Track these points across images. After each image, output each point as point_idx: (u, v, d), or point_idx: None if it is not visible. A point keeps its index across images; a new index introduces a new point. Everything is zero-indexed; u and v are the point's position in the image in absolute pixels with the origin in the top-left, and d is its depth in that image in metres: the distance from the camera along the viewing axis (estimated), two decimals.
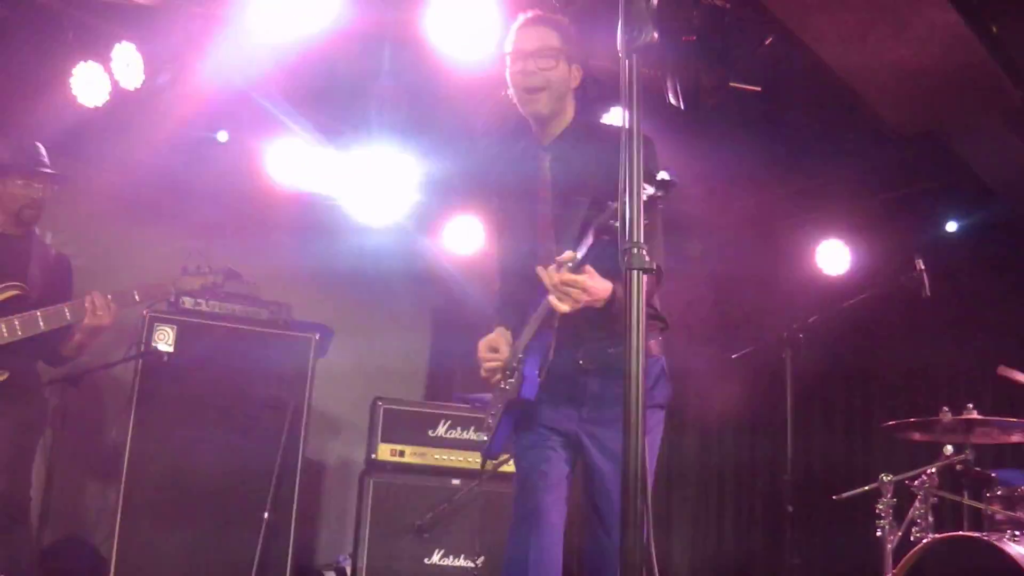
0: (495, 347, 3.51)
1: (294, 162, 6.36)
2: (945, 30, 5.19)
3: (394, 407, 6.27)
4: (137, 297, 4.87)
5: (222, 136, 6.46)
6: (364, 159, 6.27)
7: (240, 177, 6.41)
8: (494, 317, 3.67)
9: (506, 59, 3.51)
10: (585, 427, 3.41)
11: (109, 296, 4.72)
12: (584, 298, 3.11)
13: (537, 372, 3.34)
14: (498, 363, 3.47)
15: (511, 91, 3.53)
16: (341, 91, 5.91)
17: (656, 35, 2.35)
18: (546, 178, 3.51)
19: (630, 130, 2.24)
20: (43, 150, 4.98)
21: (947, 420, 4.93)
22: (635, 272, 2.09)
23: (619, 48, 2.33)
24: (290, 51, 5.39)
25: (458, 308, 7.39)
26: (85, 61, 5.53)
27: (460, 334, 7.70)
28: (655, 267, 2.15)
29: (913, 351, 6.98)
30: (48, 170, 4.94)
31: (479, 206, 3.76)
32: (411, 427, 6.26)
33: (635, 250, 2.11)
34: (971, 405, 4.98)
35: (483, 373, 3.52)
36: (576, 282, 3.08)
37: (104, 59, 5.49)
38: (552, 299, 3.12)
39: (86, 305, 4.64)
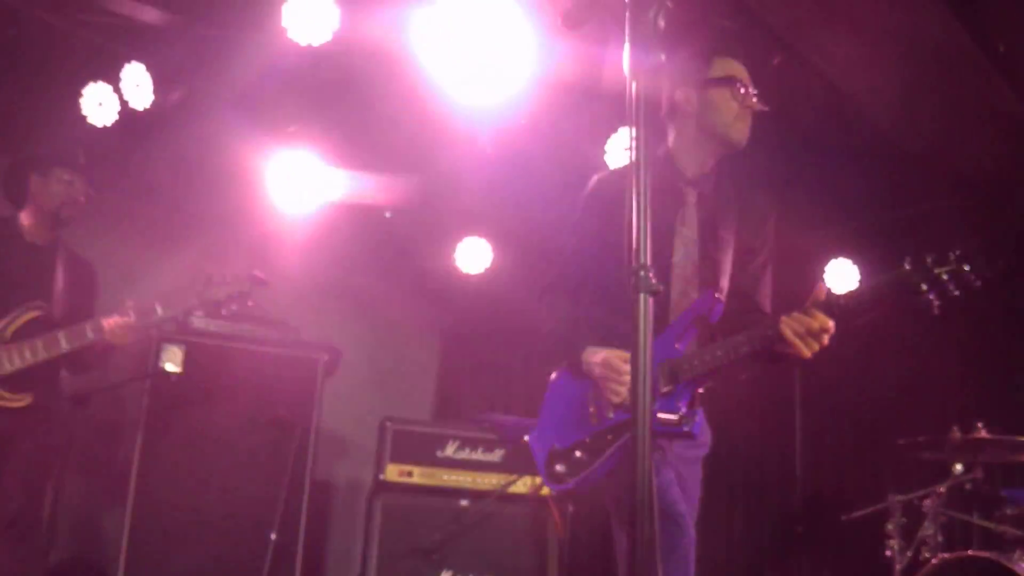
0: (615, 367, 3.16)
1: (303, 182, 6.37)
2: (952, 50, 5.20)
3: (403, 427, 6.24)
4: (160, 310, 4.74)
5: (231, 156, 6.45)
6: (371, 179, 6.29)
7: (249, 197, 6.42)
8: (578, 339, 3.28)
9: (729, 83, 3.41)
10: (675, 464, 3.28)
11: (131, 311, 4.66)
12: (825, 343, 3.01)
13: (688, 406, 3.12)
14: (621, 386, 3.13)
15: (719, 115, 3.41)
16: (349, 111, 5.92)
17: (663, 57, 2.35)
18: (692, 214, 3.37)
19: (637, 150, 2.23)
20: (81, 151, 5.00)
21: (957, 439, 4.93)
22: (643, 295, 2.07)
23: (626, 69, 2.32)
24: (299, 71, 5.41)
25: (467, 329, 7.39)
26: (95, 81, 5.57)
27: (469, 355, 7.75)
28: (660, 290, 2.12)
29: (923, 370, 6.95)
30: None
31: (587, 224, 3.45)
32: (420, 447, 6.23)
33: (642, 273, 2.10)
34: (980, 424, 4.96)
35: (616, 389, 3.11)
36: (831, 328, 3.01)
37: (113, 79, 5.52)
38: (802, 346, 3.00)
39: (104, 327, 4.61)
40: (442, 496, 6.19)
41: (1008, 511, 4.92)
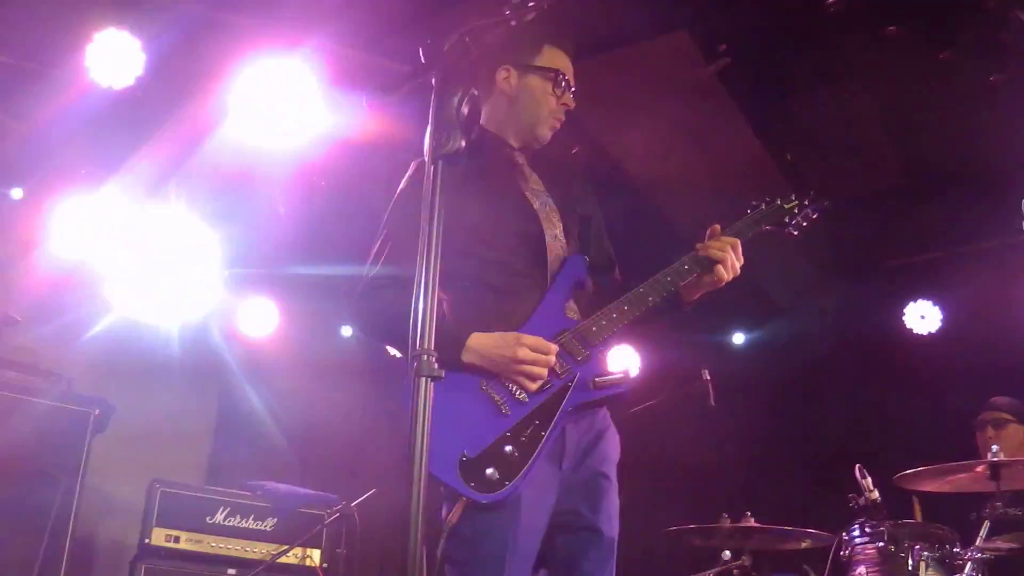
0: (543, 347, 2.94)
1: (89, 229, 6.16)
2: (744, 154, 5.46)
3: (172, 490, 6.01)
4: None
5: (16, 193, 6.20)
6: (162, 234, 6.15)
7: (32, 239, 6.15)
8: (455, 329, 2.93)
9: (553, 75, 3.30)
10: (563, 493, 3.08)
11: None
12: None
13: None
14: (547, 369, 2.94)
15: (533, 106, 3.31)
16: (145, 164, 5.78)
17: (463, 143, 2.36)
18: (530, 172, 3.34)
19: (429, 233, 2.23)
20: None
21: (726, 527, 5.09)
22: (424, 380, 2.06)
23: (425, 154, 2.33)
24: (96, 112, 5.28)
25: (244, 393, 7.25)
26: None
27: (245, 419, 7.56)
28: (442, 376, 2.14)
29: (696, 458, 7.16)
30: None
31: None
32: (189, 512, 6.00)
33: (425, 357, 2.09)
34: (749, 513, 5.15)
35: (537, 372, 2.91)
36: (739, 247, 3.20)
37: None
38: (720, 268, 3.14)
39: None
40: (209, 564, 5.96)
41: None
